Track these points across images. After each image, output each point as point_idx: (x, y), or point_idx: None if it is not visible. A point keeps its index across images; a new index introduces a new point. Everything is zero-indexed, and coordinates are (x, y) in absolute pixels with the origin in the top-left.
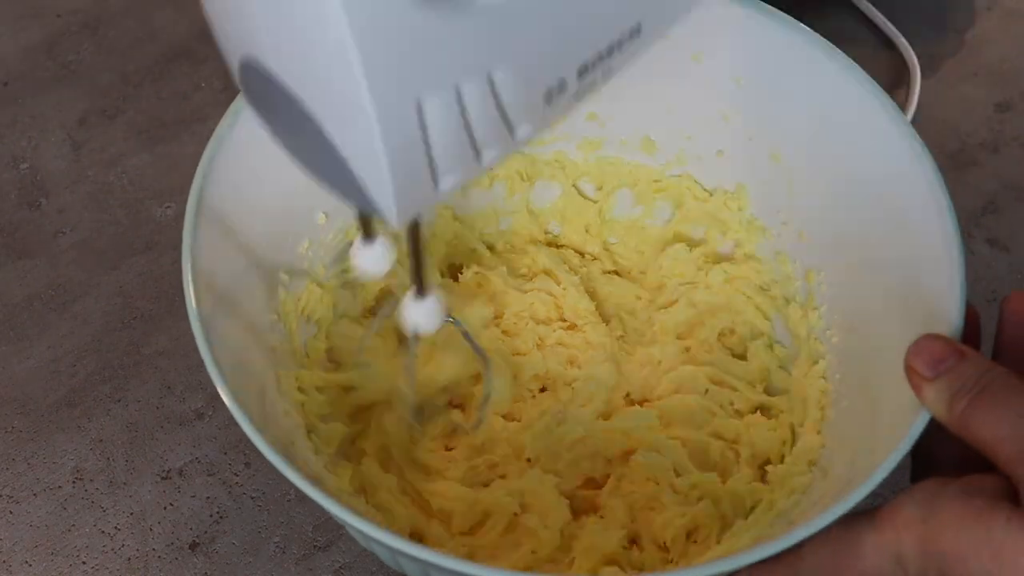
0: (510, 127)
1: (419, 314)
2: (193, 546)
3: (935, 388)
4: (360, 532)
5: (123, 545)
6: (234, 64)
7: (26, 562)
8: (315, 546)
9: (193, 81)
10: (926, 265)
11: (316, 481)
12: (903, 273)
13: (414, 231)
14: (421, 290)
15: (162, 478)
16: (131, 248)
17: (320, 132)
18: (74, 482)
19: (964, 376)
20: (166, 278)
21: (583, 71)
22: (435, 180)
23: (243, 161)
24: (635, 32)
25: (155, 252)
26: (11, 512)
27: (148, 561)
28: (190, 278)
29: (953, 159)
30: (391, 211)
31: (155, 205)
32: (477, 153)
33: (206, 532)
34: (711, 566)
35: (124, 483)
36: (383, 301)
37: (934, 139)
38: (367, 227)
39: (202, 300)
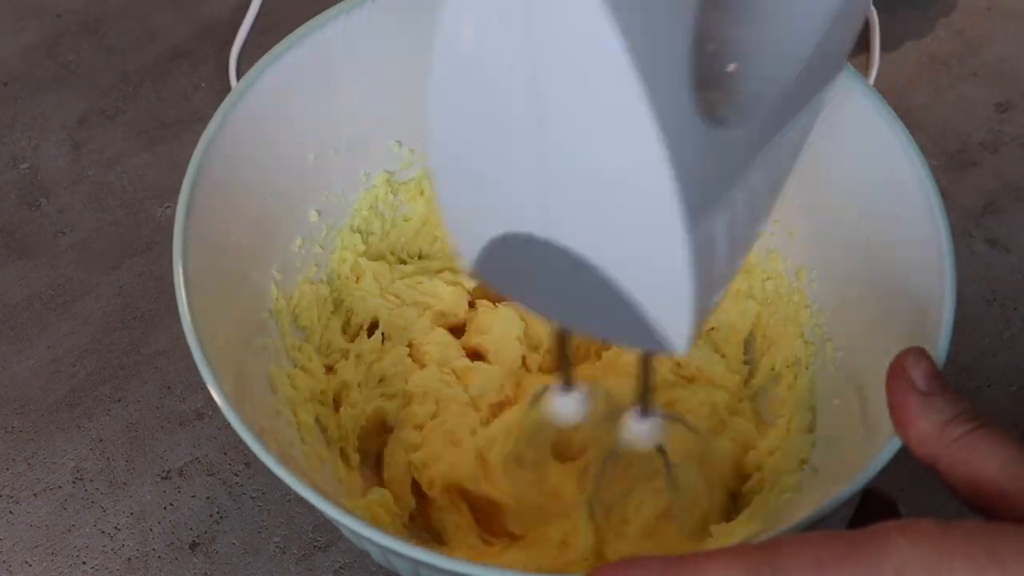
0: (756, 224)
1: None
2: (193, 546)
3: (928, 405)
4: (351, 531)
5: (123, 545)
6: (478, 242)
7: (26, 562)
8: (315, 546)
9: (193, 81)
10: (916, 264)
11: (308, 479)
12: (894, 272)
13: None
14: (645, 410)
15: (162, 478)
16: (131, 248)
17: (601, 283)
18: (74, 482)
19: (963, 403)
20: (166, 278)
21: (798, 151)
22: (712, 298)
23: (235, 158)
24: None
25: (155, 252)
26: (11, 512)
27: (148, 561)
28: (181, 277)
29: (953, 159)
30: (683, 339)
31: (155, 205)
32: (735, 260)
33: (206, 532)
34: None
35: (124, 483)
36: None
37: (933, 139)
38: (569, 376)
39: (194, 299)
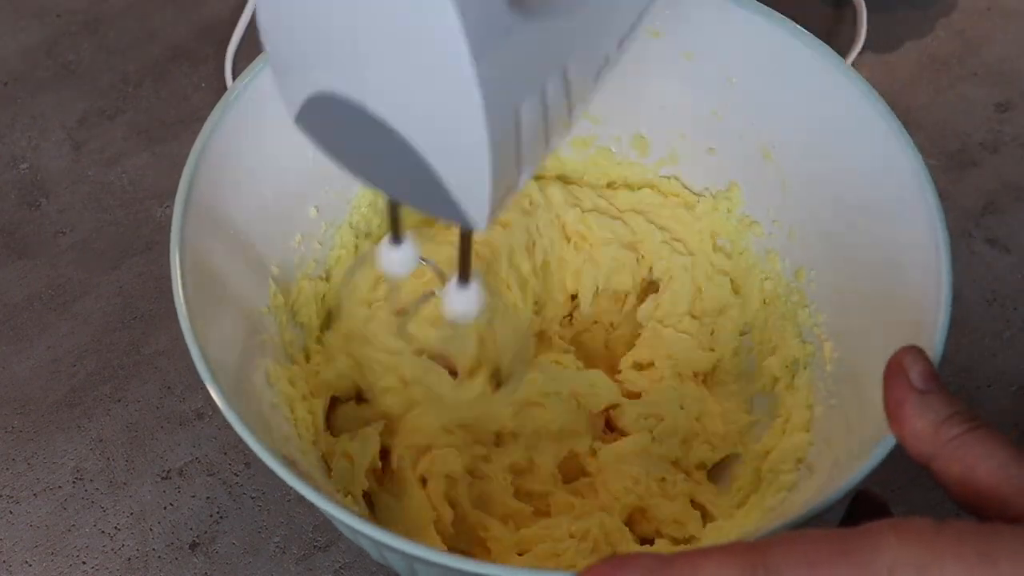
0: (571, 112)
1: (461, 302)
2: (193, 546)
3: (925, 403)
4: (347, 527)
5: (123, 545)
6: (298, 96)
7: (26, 562)
8: (315, 546)
9: (193, 81)
10: (914, 265)
11: (306, 476)
12: (891, 272)
13: (466, 233)
14: (465, 279)
15: (162, 478)
16: (131, 248)
17: (408, 151)
18: (74, 482)
19: (958, 404)
20: (166, 278)
21: (621, 42)
22: (517, 179)
23: (233, 156)
24: None
25: (155, 252)
26: (11, 512)
27: (148, 561)
28: (179, 275)
29: (953, 159)
30: (483, 215)
31: (155, 205)
32: (547, 143)
33: (206, 532)
34: None
35: (124, 483)
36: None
37: (933, 139)
38: (396, 229)
39: (192, 297)
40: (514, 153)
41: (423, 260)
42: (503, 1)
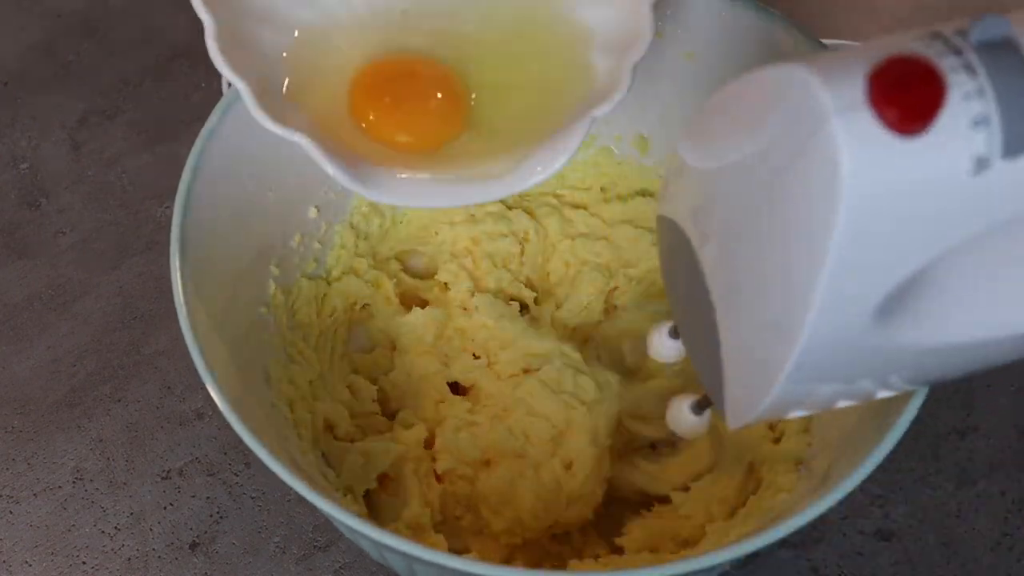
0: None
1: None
2: (193, 546)
3: None
4: (346, 527)
5: (123, 545)
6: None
7: (26, 562)
8: (315, 546)
9: (193, 81)
10: None
11: (306, 476)
12: None
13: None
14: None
15: (162, 478)
16: (131, 248)
17: (714, 334)
18: (74, 482)
19: None
20: (166, 278)
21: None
22: (784, 412)
23: (233, 155)
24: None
25: (155, 252)
26: (11, 512)
27: (148, 561)
28: (178, 274)
29: None
30: (737, 420)
31: (155, 205)
32: (825, 402)
33: (206, 532)
34: (696, 561)
35: (124, 483)
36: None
37: None
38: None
39: (191, 296)
40: (792, 405)
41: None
42: (871, 306)
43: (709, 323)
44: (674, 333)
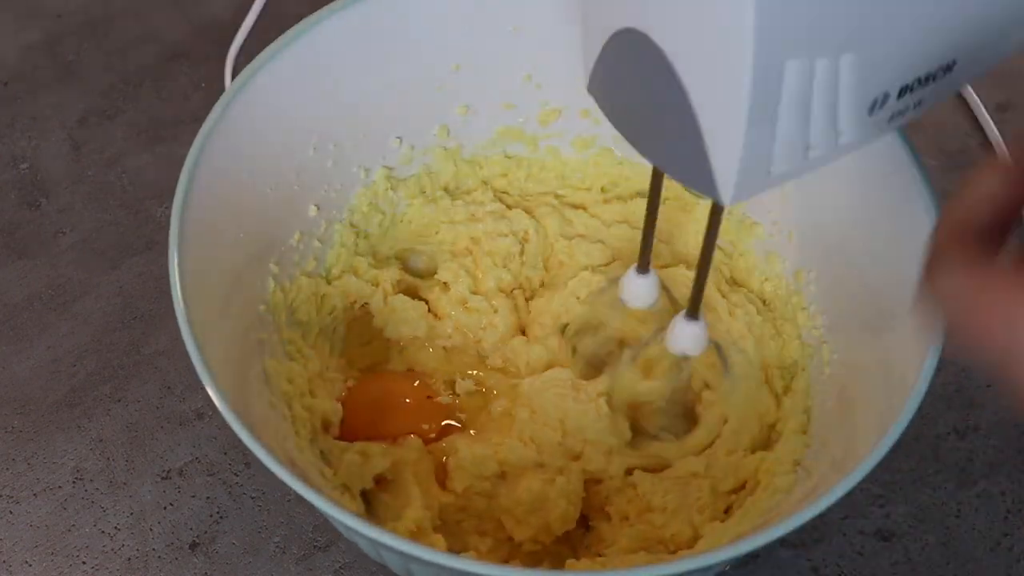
0: (837, 129)
1: (688, 338)
2: (193, 546)
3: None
4: (345, 526)
5: (123, 545)
6: (599, 38)
7: (26, 562)
8: (315, 546)
9: (193, 81)
10: (913, 267)
11: (304, 475)
12: (890, 275)
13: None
14: (694, 315)
15: (162, 478)
16: (131, 248)
17: (680, 104)
18: (74, 482)
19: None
20: (166, 278)
21: (902, 91)
22: (770, 164)
23: (233, 155)
24: (947, 69)
25: (155, 252)
26: (11, 512)
27: (148, 561)
28: (177, 274)
29: (953, 159)
30: (728, 185)
31: (155, 205)
32: (806, 147)
33: (206, 532)
34: (692, 560)
35: (124, 483)
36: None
37: (934, 139)
38: (646, 257)
39: (190, 295)
40: (770, 118)
41: (665, 289)
42: None
43: (681, 112)
44: (642, 269)
